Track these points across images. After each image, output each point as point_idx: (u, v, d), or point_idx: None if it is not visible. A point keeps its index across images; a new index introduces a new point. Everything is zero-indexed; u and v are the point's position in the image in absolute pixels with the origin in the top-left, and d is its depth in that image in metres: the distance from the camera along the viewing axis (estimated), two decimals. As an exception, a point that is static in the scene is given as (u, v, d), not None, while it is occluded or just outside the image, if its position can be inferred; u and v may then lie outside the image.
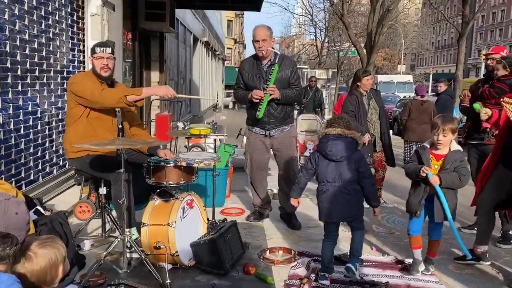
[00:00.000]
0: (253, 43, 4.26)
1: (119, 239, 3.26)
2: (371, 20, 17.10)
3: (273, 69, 4.18)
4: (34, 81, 4.49)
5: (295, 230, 4.40)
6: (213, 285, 3.12)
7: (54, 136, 4.95)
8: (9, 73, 4.03)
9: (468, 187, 3.43)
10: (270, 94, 4.14)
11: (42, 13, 4.64)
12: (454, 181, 3.13)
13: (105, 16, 5.60)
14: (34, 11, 4.48)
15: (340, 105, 8.88)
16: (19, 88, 4.22)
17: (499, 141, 3.58)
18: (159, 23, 8.99)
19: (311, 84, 11.36)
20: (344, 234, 4.03)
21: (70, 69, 5.32)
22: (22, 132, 4.27)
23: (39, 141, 4.62)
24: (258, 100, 4.17)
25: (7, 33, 3.98)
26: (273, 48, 4.34)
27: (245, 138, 4.75)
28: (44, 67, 4.69)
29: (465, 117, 5.26)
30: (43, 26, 4.65)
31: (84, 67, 5.62)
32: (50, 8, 4.80)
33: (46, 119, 4.77)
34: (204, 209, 3.69)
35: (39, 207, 3.48)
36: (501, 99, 3.34)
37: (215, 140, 5.32)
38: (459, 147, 3.23)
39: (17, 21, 4.16)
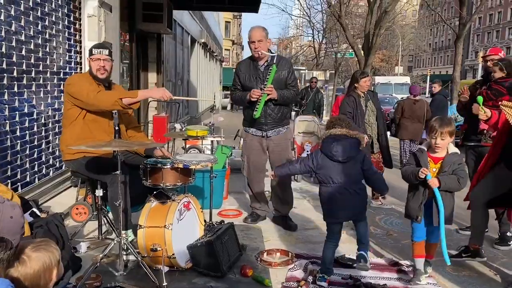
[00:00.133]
0: (249, 44, 4.26)
1: (115, 241, 3.24)
2: (368, 22, 17.14)
3: (270, 69, 4.17)
4: (30, 82, 4.47)
5: (293, 232, 4.39)
6: (210, 287, 3.11)
7: (50, 138, 4.92)
8: (5, 74, 4.00)
9: (466, 189, 3.43)
10: (268, 94, 4.14)
11: (39, 14, 4.62)
12: (452, 184, 3.09)
13: (102, 17, 5.57)
14: (31, 12, 4.46)
15: (337, 107, 8.93)
16: (15, 89, 4.20)
17: (497, 143, 3.59)
18: (156, 24, 8.96)
19: (312, 85, 11.09)
20: (343, 236, 4.03)
21: (67, 70, 5.30)
22: (18, 133, 4.24)
23: (35, 143, 4.59)
24: (255, 99, 4.16)
25: (3, 34, 3.96)
26: (269, 50, 4.34)
27: (242, 139, 4.74)
28: (41, 68, 4.67)
29: (460, 116, 5.30)
30: (39, 27, 4.63)
31: (81, 68, 5.59)
32: (46, 9, 4.78)
33: (43, 121, 4.75)
34: (201, 211, 3.68)
35: (35, 209, 3.47)
36: (500, 102, 3.34)
37: (212, 141, 5.30)
38: (456, 150, 3.20)
39: (13, 22, 4.14)
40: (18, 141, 4.25)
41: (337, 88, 26.31)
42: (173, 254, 3.22)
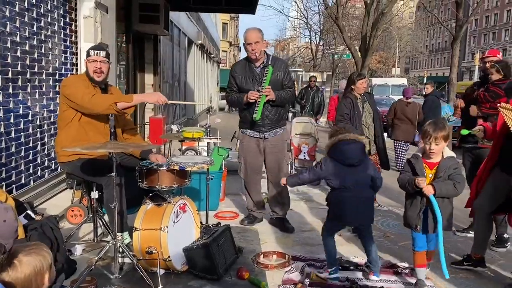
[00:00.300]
0: (245, 46, 4.24)
1: (110, 244, 3.22)
2: (365, 23, 17.17)
3: (267, 71, 4.16)
4: (25, 84, 4.44)
5: (290, 234, 4.37)
6: (206, 290, 3.09)
7: (46, 139, 4.89)
8: (-1, 76, 3.98)
9: (466, 191, 3.41)
10: (266, 95, 4.12)
11: (34, 15, 4.59)
12: (449, 190, 3.00)
13: (98, 18, 5.55)
14: (26, 13, 4.44)
15: (333, 107, 8.94)
16: (10, 90, 4.17)
17: (496, 144, 3.57)
18: (153, 25, 8.94)
19: (311, 84, 10.84)
20: (341, 238, 4.02)
21: (63, 71, 5.27)
22: (13, 135, 4.21)
23: (31, 144, 4.56)
24: (254, 101, 4.14)
25: (-3, 35, 3.94)
26: (265, 52, 4.33)
27: (239, 141, 4.72)
28: (36, 69, 4.64)
29: (453, 116, 5.34)
30: (34, 28, 4.60)
31: (76, 69, 5.57)
32: (42, 10, 4.75)
33: (38, 122, 4.72)
34: (198, 213, 3.65)
35: (29, 212, 3.45)
36: (498, 105, 3.32)
37: (208, 143, 5.28)
38: (452, 153, 3.13)
39: (8, 23, 4.11)
40: (13, 143, 4.22)
41: (334, 89, 26.34)
42: (169, 257, 3.19)
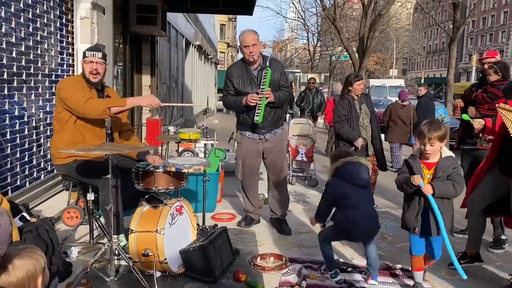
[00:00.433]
0: (242, 49, 4.18)
1: (106, 246, 3.19)
2: (363, 25, 17.21)
3: (266, 73, 4.14)
4: (21, 85, 4.41)
5: (287, 236, 4.36)
6: (203, 293, 3.07)
7: (42, 141, 4.86)
8: (-5, 77, 3.95)
9: (463, 193, 3.40)
10: (267, 98, 4.10)
11: (30, 15, 4.57)
12: (448, 190, 2.95)
13: (95, 19, 5.53)
14: (22, 13, 4.41)
15: (331, 109, 8.94)
16: (5, 92, 4.14)
17: (494, 145, 3.57)
18: (150, 26, 8.91)
19: (310, 86, 10.70)
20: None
21: (59, 72, 5.24)
22: (8, 136, 4.19)
23: (26, 146, 4.54)
24: (254, 104, 4.12)
25: (-7, 36, 3.92)
26: (261, 53, 4.32)
27: (236, 142, 4.70)
28: (32, 70, 4.62)
29: (447, 117, 5.34)
30: (30, 29, 4.58)
31: (73, 71, 5.54)
32: (38, 11, 4.72)
33: (34, 124, 4.69)
34: (194, 215, 3.63)
35: (25, 214, 3.41)
36: (496, 105, 3.31)
37: (205, 144, 5.26)
38: (450, 153, 3.08)
39: (4, 23, 4.08)
40: (9, 144, 4.19)
41: (331, 91, 26.37)
42: (165, 259, 3.17)
